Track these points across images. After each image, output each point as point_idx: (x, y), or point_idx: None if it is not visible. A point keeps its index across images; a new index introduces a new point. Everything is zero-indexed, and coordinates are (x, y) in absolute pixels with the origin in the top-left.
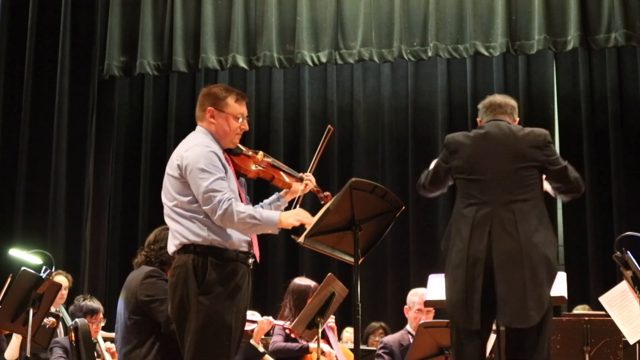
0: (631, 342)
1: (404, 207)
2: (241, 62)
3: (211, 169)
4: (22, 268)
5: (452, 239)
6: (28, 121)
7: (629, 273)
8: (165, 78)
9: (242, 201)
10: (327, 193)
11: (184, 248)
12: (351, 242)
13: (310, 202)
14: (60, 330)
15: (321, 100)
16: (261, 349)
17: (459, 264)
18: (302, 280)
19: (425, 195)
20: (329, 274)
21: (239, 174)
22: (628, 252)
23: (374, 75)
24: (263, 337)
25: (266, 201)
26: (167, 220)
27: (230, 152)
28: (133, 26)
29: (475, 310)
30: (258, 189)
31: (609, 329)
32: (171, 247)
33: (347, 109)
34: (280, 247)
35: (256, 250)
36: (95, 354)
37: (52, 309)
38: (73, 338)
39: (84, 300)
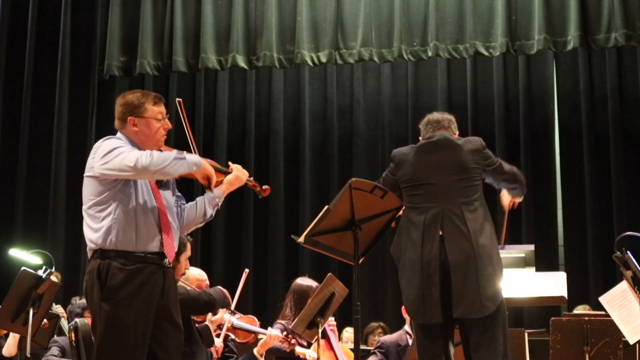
0: (631, 342)
1: (404, 207)
2: (241, 62)
3: (118, 144)
4: (22, 268)
5: (402, 245)
6: (28, 121)
7: (629, 273)
8: (165, 78)
9: (157, 203)
10: (266, 187)
11: (93, 253)
12: (351, 242)
13: (310, 202)
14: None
15: (321, 100)
16: None
17: (413, 265)
18: (304, 281)
19: None
20: (329, 274)
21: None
22: (628, 252)
23: (374, 75)
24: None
25: (199, 198)
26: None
27: None
28: (133, 26)
29: (435, 303)
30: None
31: (609, 329)
32: (89, 253)
33: (347, 109)
34: (280, 247)
35: (169, 250)
36: None
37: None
38: (73, 338)
39: (80, 299)
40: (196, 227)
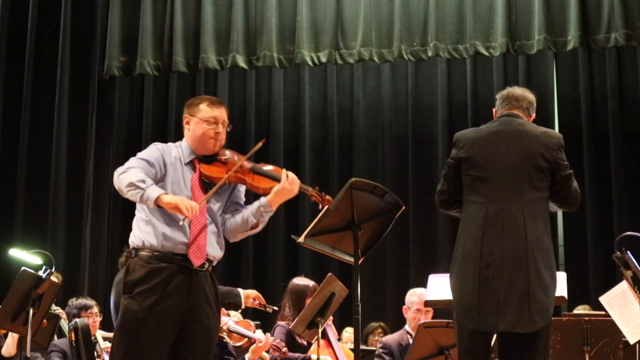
0: (631, 342)
1: (404, 207)
2: (241, 62)
3: (140, 155)
4: (22, 268)
5: (459, 238)
6: (28, 121)
7: (629, 273)
8: (165, 78)
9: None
10: (328, 197)
11: (131, 252)
12: (351, 242)
13: (310, 202)
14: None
15: (321, 100)
16: None
17: (467, 263)
18: (300, 280)
19: (444, 209)
20: (329, 274)
21: (205, 182)
22: (628, 252)
23: (374, 75)
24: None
25: (248, 208)
26: None
27: (202, 161)
28: (133, 26)
29: (491, 311)
30: None
31: (609, 329)
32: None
33: (347, 109)
34: (280, 247)
35: (193, 254)
36: (95, 354)
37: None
38: (73, 338)
39: (76, 300)
40: (246, 234)
